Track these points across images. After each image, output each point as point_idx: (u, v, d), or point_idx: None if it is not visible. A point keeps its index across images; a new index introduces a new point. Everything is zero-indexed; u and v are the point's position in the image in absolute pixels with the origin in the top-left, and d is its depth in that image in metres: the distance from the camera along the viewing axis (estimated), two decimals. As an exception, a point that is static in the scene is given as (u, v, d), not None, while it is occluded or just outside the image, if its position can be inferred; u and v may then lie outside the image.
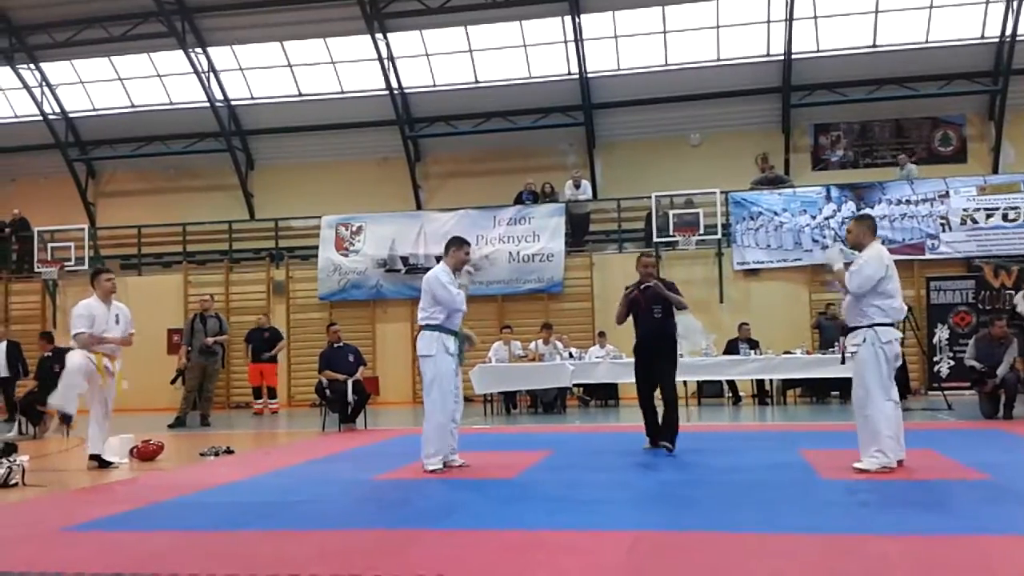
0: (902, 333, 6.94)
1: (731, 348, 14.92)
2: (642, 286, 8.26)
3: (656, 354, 8.19)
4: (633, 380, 8.54)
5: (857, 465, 6.64)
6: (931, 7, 17.57)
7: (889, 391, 6.66)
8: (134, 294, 18.59)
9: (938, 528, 4.75)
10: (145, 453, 8.76)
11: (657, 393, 8.27)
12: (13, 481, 7.04)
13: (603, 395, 15.40)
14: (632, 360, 8.58)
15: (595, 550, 4.42)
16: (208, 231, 20.00)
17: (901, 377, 13.70)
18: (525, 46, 18.94)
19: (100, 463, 8.22)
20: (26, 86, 20.71)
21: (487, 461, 7.69)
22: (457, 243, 7.51)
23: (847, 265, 6.92)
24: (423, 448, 7.20)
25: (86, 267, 17.95)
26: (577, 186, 18.22)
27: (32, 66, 20.50)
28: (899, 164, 17.69)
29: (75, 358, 8.10)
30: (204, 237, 20.04)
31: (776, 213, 16.84)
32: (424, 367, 7.26)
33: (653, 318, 8.17)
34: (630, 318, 8.36)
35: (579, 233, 18.22)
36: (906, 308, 6.97)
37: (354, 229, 18.24)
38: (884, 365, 6.65)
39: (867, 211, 15.20)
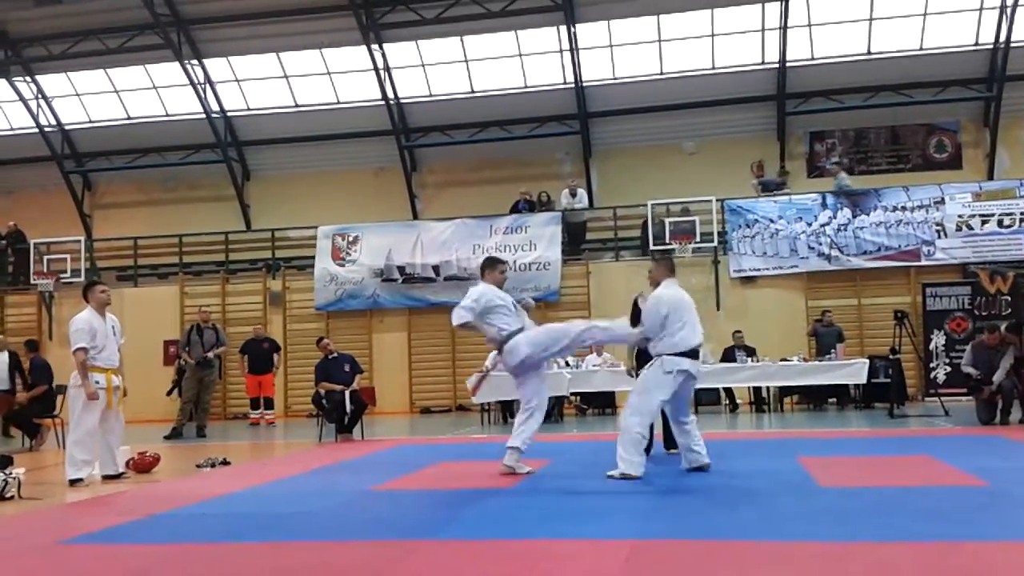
0: (698, 360, 7.22)
1: (728, 356, 14.91)
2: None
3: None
4: (629, 389, 8.47)
5: (609, 472, 6.92)
6: (925, 14, 17.61)
7: (652, 412, 7.08)
8: (130, 306, 18.59)
9: (938, 535, 4.73)
10: (141, 465, 8.73)
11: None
12: (9, 494, 7.02)
13: (600, 403, 15.38)
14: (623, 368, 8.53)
15: (594, 559, 4.41)
16: (204, 242, 19.99)
17: (897, 383, 13.81)
18: (521, 56, 18.96)
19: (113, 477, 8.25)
20: (22, 99, 20.69)
21: (485, 471, 7.66)
22: (491, 264, 7.63)
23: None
24: None
25: (82, 279, 17.89)
26: (573, 195, 18.25)
27: (28, 79, 20.48)
28: (832, 174, 17.68)
29: (82, 406, 7.92)
30: (200, 248, 20.02)
31: (772, 220, 16.86)
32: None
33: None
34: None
35: (575, 241, 18.23)
36: (698, 335, 7.14)
37: (350, 239, 18.23)
38: (658, 391, 6.98)
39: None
